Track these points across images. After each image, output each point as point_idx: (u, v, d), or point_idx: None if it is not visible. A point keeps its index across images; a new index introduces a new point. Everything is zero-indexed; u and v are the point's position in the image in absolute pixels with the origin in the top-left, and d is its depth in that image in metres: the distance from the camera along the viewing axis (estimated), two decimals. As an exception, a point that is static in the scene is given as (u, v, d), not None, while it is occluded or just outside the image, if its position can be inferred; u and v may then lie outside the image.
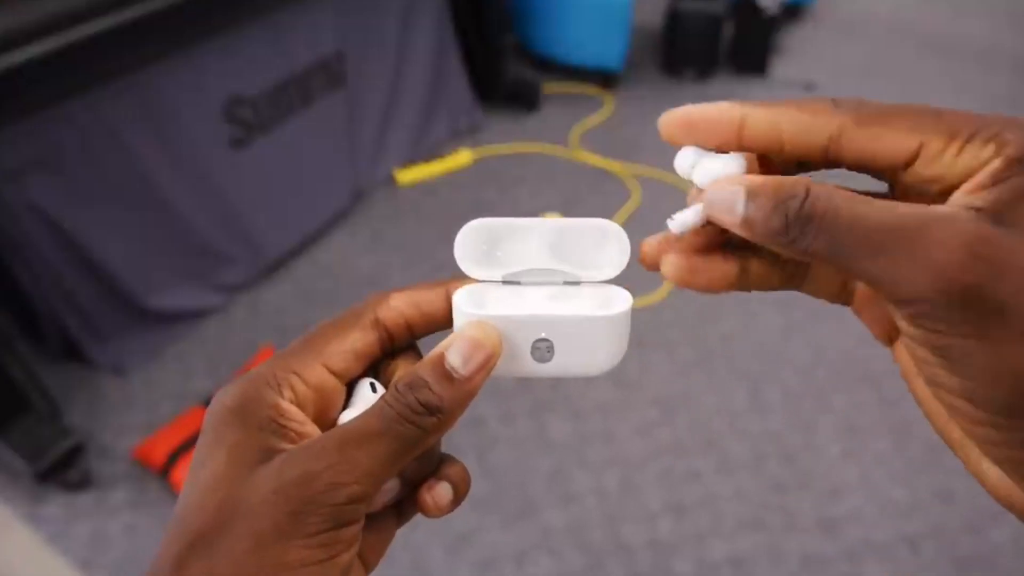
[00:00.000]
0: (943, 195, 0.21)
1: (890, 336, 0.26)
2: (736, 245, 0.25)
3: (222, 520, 0.22)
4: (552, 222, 0.27)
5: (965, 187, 0.20)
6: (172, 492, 1.25)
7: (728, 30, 2.49)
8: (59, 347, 1.44)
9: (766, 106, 0.23)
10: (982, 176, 0.20)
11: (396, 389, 0.24)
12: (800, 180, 0.21)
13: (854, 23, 2.95)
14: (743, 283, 0.26)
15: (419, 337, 0.28)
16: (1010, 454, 0.21)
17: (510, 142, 2.19)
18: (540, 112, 2.33)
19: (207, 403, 0.29)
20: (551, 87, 2.40)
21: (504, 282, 0.27)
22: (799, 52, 2.71)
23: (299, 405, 0.25)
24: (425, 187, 2.02)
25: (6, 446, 1.25)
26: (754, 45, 2.50)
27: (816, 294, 0.27)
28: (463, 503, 0.27)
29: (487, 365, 0.25)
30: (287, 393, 0.25)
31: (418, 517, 0.28)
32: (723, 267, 0.25)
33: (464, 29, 2.14)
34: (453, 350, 0.24)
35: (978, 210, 0.20)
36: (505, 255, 0.27)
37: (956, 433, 0.23)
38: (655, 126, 0.25)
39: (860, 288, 0.26)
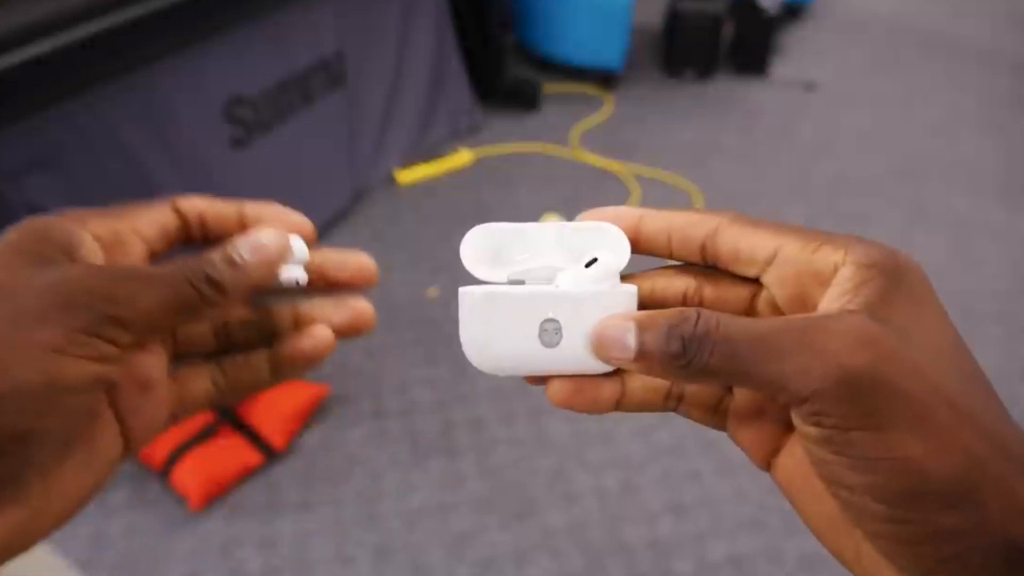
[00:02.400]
0: (799, 297, 0.24)
1: (767, 459, 0.26)
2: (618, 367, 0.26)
3: None
4: (554, 225, 0.27)
5: (831, 295, 0.23)
6: (172, 492, 1.25)
7: (728, 30, 2.49)
8: (59, 347, 1.44)
9: (660, 210, 0.27)
10: (843, 284, 0.22)
11: (187, 262, 0.25)
12: (685, 308, 0.23)
13: (854, 23, 2.95)
14: (623, 405, 0.26)
15: (211, 239, 0.29)
16: (917, 551, 0.21)
17: (510, 142, 2.19)
18: (540, 112, 2.33)
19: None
20: (551, 87, 2.40)
21: (509, 282, 0.27)
22: (799, 52, 2.71)
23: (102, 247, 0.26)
24: (425, 187, 2.02)
25: (6, 446, 1.25)
26: (754, 45, 2.50)
27: (691, 416, 0.27)
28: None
29: (268, 262, 0.26)
30: (91, 228, 0.25)
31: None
32: (607, 389, 0.26)
33: (464, 29, 2.14)
34: (243, 241, 0.26)
35: (852, 312, 0.21)
36: (509, 258, 0.27)
37: (850, 551, 0.23)
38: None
39: (735, 409, 0.26)
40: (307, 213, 0.29)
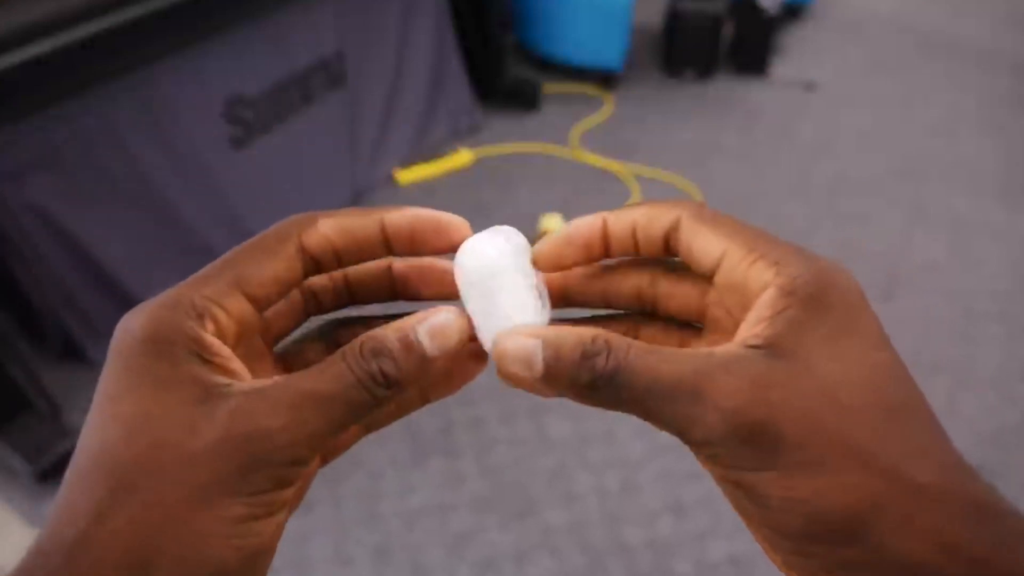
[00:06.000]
0: (741, 305, 0.24)
1: None
2: None
3: (154, 464, 0.20)
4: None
5: (749, 319, 0.23)
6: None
7: (728, 30, 2.49)
8: (59, 347, 1.44)
9: (624, 208, 0.26)
10: (761, 309, 0.22)
11: (360, 353, 0.22)
12: (598, 333, 0.23)
13: (854, 23, 2.95)
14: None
15: (345, 266, 0.26)
16: None
17: (510, 142, 2.19)
18: (540, 112, 2.33)
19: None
20: (551, 87, 2.40)
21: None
22: (799, 52, 2.71)
23: (220, 337, 0.23)
24: (425, 187, 2.02)
25: (6, 446, 1.25)
26: (754, 45, 2.50)
27: None
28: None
29: (453, 350, 0.24)
30: (208, 324, 0.22)
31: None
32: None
33: (464, 29, 2.14)
34: (424, 327, 0.23)
35: (756, 347, 0.22)
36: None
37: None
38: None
39: None
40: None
